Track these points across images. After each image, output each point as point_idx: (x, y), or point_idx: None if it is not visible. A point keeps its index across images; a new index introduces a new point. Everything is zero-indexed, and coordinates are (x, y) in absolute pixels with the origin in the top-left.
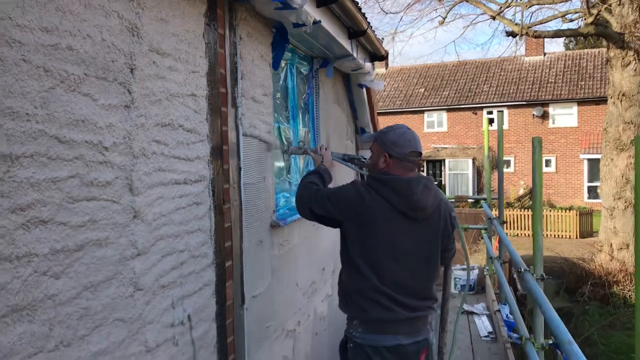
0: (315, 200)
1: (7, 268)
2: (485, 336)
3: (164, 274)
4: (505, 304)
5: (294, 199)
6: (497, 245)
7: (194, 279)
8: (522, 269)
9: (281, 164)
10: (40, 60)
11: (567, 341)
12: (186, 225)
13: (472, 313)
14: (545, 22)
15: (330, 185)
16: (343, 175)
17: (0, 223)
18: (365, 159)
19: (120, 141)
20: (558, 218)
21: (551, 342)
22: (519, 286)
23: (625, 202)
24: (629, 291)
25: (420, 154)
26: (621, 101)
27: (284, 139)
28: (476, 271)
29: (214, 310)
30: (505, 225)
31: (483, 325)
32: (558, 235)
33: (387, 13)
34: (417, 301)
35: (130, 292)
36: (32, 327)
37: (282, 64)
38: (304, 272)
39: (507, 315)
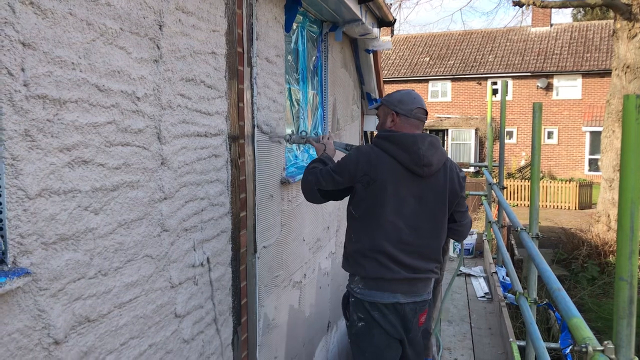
0: (323, 178)
1: (56, 201)
2: (482, 296)
3: (186, 218)
4: (502, 267)
5: (303, 158)
6: (497, 212)
7: (212, 225)
8: (519, 228)
9: (292, 124)
10: (83, 14)
11: (557, 288)
12: (206, 175)
13: (469, 275)
14: None
15: None
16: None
17: (51, 160)
18: None
19: (150, 92)
20: (558, 189)
21: (545, 302)
22: (516, 251)
23: None
24: None
25: (426, 111)
26: (625, 73)
27: (293, 100)
28: (475, 236)
29: (230, 256)
30: (505, 194)
31: (480, 286)
32: (557, 206)
33: None
34: (420, 261)
35: (158, 232)
36: (76, 256)
37: (294, 26)
38: (310, 229)
39: (503, 277)
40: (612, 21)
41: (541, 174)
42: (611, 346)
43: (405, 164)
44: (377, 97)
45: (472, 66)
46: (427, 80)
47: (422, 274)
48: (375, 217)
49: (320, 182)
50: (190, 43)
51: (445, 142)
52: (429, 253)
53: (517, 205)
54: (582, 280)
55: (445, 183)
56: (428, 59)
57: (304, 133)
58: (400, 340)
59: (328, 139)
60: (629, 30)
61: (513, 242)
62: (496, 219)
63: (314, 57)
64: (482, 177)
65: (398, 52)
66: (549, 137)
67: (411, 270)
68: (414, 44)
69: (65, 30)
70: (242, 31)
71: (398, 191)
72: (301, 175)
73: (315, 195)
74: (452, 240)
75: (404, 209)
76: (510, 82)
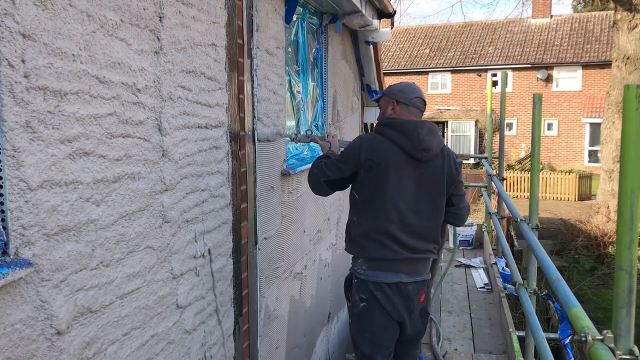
0: (328, 169)
1: (57, 192)
2: (482, 287)
3: (187, 210)
4: (501, 258)
5: (303, 150)
6: (496, 203)
7: (213, 216)
8: (519, 219)
9: (292, 116)
10: (83, 5)
11: (556, 279)
12: (207, 167)
13: (469, 266)
14: None
15: None
16: None
17: (52, 152)
18: None
19: (150, 84)
20: (558, 181)
21: (544, 292)
22: (515, 242)
23: None
24: None
25: (425, 102)
26: (625, 64)
27: (294, 92)
28: (475, 227)
29: (231, 247)
30: (505, 186)
31: (480, 277)
32: (557, 198)
33: None
34: (421, 242)
35: (159, 224)
36: (78, 247)
37: (294, 18)
38: (310, 220)
39: (502, 268)
40: (612, 12)
41: (541, 166)
42: (610, 335)
43: (406, 148)
44: (377, 89)
45: (472, 58)
46: (427, 72)
47: (422, 254)
48: (377, 200)
49: (326, 174)
50: (190, 35)
51: (445, 133)
52: (428, 234)
53: (516, 196)
54: (573, 273)
55: (443, 167)
56: (428, 50)
57: (309, 132)
58: (400, 323)
59: (333, 137)
60: (630, 21)
61: (513, 233)
62: (496, 210)
63: (314, 49)
64: (481, 168)
65: (398, 44)
66: (548, 129)
67: (412, 250)
68: (414, 36)
69: (65, 21)
70: (242, 23)
71: (399, 175)
72: (302, 167)
73: (322, 187)
74: (451, 234)
75: (405, 192)
76: (510, 73)
